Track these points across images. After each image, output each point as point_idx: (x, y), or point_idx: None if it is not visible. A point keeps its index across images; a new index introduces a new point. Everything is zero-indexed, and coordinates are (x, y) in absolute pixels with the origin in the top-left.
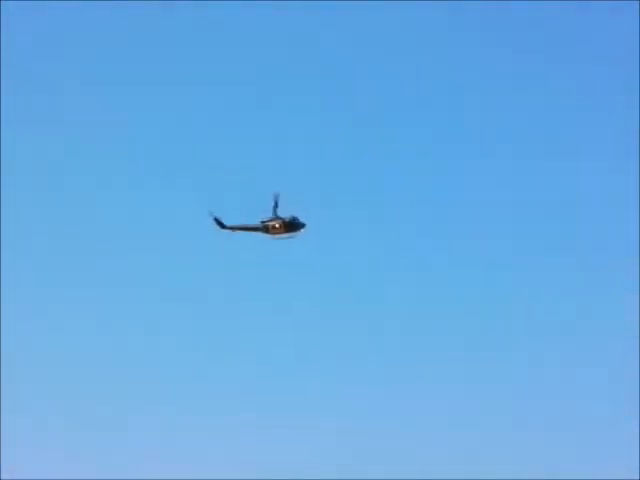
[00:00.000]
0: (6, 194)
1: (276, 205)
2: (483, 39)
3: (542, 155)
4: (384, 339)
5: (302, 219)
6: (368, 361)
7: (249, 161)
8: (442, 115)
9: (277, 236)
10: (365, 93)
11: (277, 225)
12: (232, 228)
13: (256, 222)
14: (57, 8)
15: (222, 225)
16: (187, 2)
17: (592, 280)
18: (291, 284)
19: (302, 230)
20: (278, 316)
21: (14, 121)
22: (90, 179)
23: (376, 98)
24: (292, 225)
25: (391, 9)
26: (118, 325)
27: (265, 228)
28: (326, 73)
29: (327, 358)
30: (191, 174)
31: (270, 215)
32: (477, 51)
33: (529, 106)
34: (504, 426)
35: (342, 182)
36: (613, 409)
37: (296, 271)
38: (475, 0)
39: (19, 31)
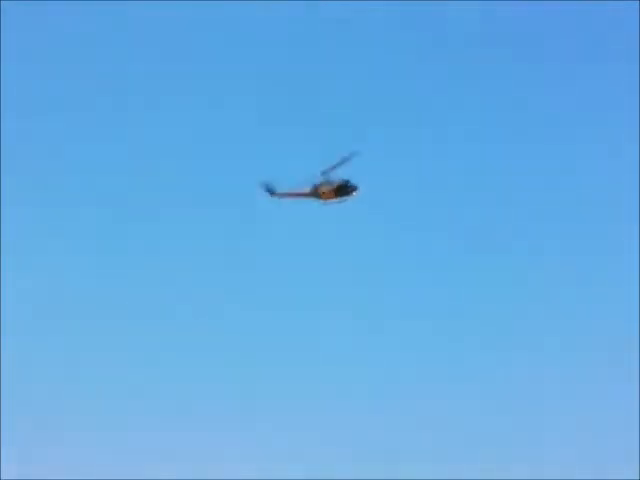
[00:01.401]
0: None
1: (327, 170)
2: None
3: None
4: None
5: (354, 182)
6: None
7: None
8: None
9: (328, 201)
10: None
11: (329, 190)
12: (282, 195)
13: (306, 187)
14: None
15: (272, 192)
16: None
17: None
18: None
19: (354, 194)
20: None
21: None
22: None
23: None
24: (343, 189)
25: None
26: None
27: (316, 193)
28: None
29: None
30: (242, 140)
31: (322, 180)
32: (476, 48)
33: (527, 106)
34: (504, 426)
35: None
36: (613, 409)
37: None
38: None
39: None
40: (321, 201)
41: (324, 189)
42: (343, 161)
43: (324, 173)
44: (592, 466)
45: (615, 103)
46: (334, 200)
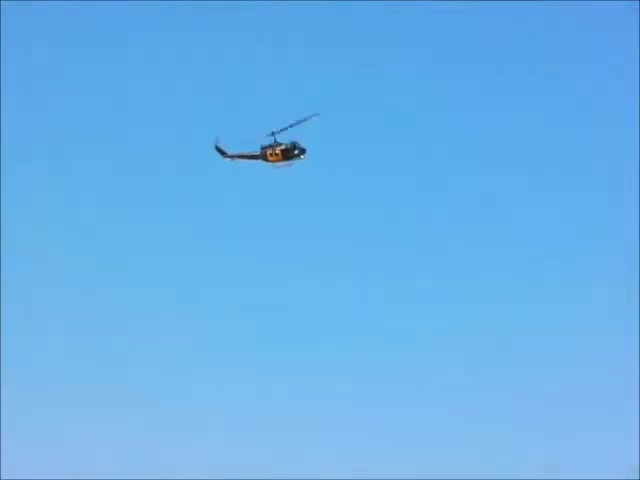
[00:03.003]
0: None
1: (274, 133)
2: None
3: None
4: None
5: (302, 144)
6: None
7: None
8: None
9: (277, 163)
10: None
11: (277, 151)
12: (232, 156)
13: (256, 149)
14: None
15: (223, 153)
16: None
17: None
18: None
19: (302, 157)
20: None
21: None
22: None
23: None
24: (291, 151)
25: None
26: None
27: (264, 155)
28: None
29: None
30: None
31: (271, 141)
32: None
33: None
34: (504, 426)
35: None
36: (613, 409)
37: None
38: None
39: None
40: (269, 164)
41: (271, 151)
42: (298, 122)
43: (273, 134)
44: (592, 466)
45: (615, 104)
46: (282, 163)
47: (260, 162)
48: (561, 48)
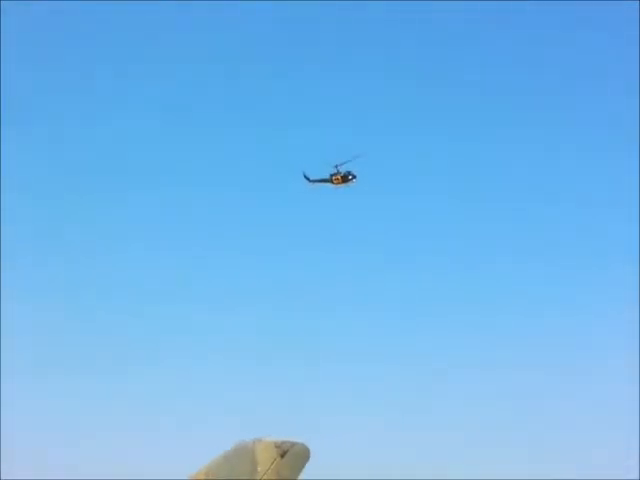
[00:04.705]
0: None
1: (337, 166)
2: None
3: None
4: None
5: (354, 172)
6: None
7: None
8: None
9: (338, 185)
10: None
11: (339, 178)
12: (314, 181)
13: (327, 176)
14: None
15: (308, 179)
16: None
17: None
18: None
19: (354, 180)
20: None
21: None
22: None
23: None
24: (347, 177)
25: None
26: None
27: (331, 180)
28: None
29: None
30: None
31: (335, 171)
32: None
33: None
34: (504, 426)
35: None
36: (613, 409)
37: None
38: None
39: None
40: (333, 186)
41: (336, 177)
42: (351, 159)
43: (336, 166)
44: (592, 466)
45: (615, 104)
46: (342, 185)
47: (328, 185)
48: (561, 48)
